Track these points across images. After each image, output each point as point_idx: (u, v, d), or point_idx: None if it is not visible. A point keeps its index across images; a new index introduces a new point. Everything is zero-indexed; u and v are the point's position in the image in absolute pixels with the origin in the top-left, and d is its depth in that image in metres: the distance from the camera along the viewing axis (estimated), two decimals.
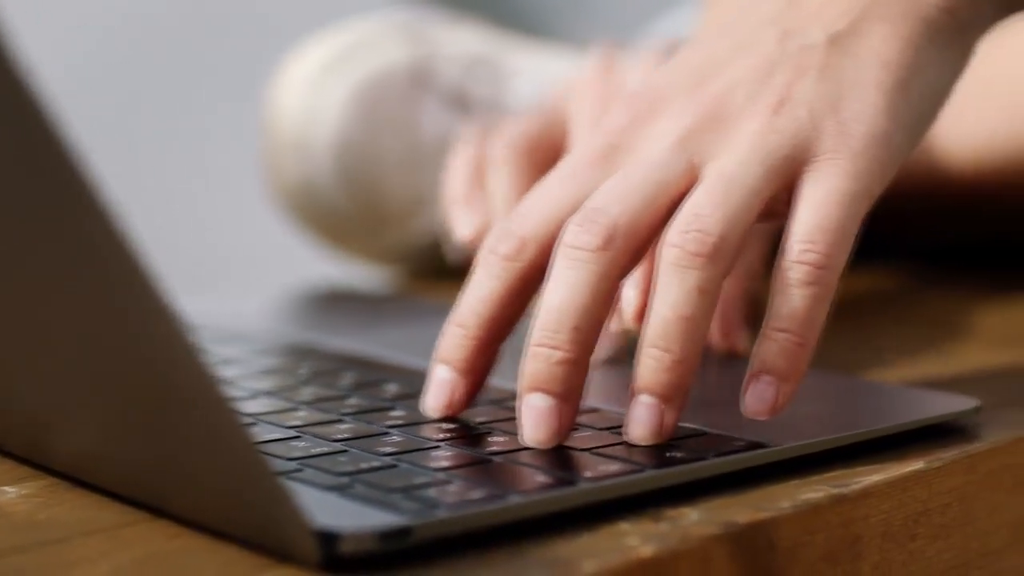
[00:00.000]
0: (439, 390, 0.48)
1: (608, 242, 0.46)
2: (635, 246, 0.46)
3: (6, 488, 0.44)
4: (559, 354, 0.45)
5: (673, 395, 0.45)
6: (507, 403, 0.50)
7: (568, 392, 0.45)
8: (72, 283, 0.38)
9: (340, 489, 0.41)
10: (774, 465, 0.45)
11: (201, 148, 1.57)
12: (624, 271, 0.47)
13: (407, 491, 0.40)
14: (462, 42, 0.86)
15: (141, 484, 0.42)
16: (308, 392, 0.52)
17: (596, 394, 0.51)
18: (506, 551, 0.39)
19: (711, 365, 0.58)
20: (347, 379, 0.53)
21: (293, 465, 0.43)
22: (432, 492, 0.40)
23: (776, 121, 0.47)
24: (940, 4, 0.49)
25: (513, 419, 0.47)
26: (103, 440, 0.43)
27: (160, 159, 1.57)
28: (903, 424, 0.49)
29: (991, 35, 0.52)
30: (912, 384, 0.55)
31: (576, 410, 0.46)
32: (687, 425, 0.47)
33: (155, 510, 0.42)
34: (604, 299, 0.46)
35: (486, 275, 0.47)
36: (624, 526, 0.41)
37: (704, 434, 0.46)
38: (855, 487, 0.45)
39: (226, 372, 0.55)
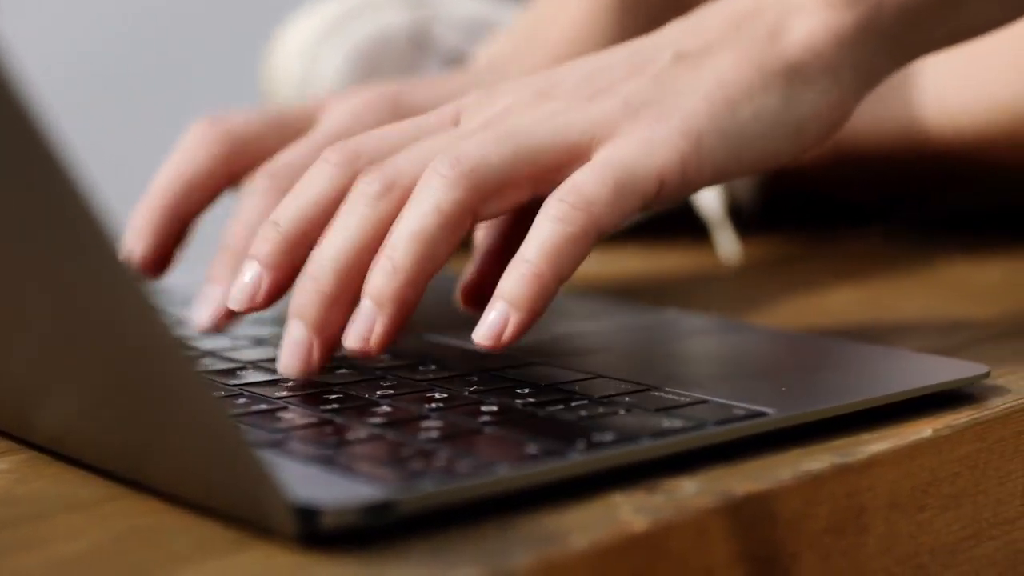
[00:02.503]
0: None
1: (386, 191, 0.47)
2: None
3: None
4: (317, 286, 0.47)
5: (384, 302, 0.46)
6: (502, 372, 0.48)
7: (321, 324, 0.47)
8: (48, 261, 0.37)
9: (323, 461, 0.39)
10: (775, 434, 0.44)
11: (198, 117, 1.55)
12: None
13: (392, 463, 0.39)
14: (462, 5, 0.84)
15: (120, 458, 0.41)
16: None
17: (593, 362, 0.50)
18: (494, 525, 0.38)
19: (711, 335, 0.57)
20: (337, 350, 0.52)
21: (278, 436, 0.42)
22: (417, 464, 0.39)
23: (583, 105, 0.49)
24: (803, 43, 0.51)
25: (506, 389, 0.46)
26: (82, 414, 0.42)
27: (155, 132, 1.56)
28: (910, 391, 0.47)
29: None
30: (919, 350, 0.54)
31: (331, 345, 0.47)
32: (686, 394, 0.45)
33: (136, 484, 0.41)
34: (369, 244, 0.47)
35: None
36: (617, 498, 0.39)
37: (703, 402, 0.45)
38: (860, 456, 0.43)
39: (215, 343, 0.54)
